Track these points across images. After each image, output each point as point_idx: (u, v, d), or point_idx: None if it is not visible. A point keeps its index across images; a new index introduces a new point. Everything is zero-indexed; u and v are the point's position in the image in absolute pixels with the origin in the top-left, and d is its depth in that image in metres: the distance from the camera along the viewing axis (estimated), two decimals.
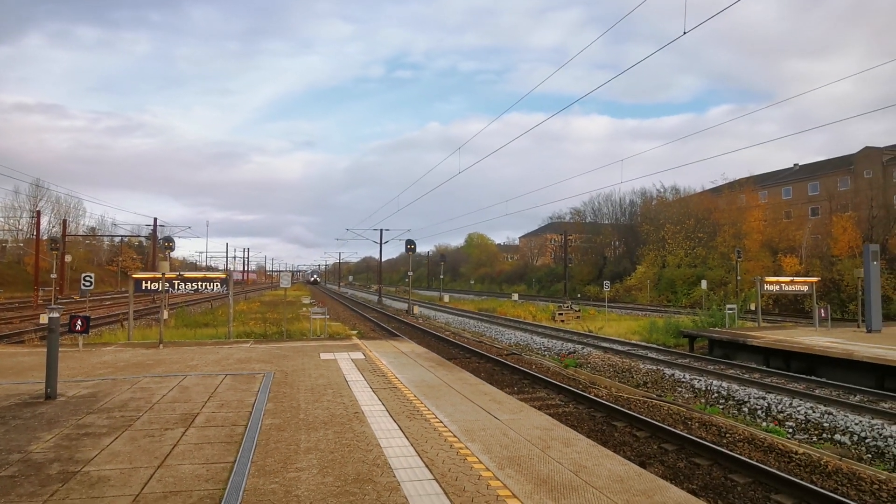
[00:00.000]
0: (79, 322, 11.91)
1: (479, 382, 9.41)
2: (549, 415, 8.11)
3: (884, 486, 6.83)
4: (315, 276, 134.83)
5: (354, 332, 21.85)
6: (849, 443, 9.38)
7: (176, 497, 4.33)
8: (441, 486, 4.58)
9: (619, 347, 19.87)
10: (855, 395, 12.06)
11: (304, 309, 29.42)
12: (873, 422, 9.83)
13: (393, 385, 8.90)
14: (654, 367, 15.73)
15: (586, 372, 15.57)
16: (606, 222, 71.39)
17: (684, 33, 7.19)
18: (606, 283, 35.20)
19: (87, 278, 16.24)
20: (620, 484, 4.70)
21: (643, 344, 20.84)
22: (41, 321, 20.46)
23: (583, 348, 19.73)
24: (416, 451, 5.49)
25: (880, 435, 9.28)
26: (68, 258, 43.28)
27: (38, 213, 48.85)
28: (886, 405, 11.13)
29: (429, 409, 7.24)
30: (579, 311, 32.96)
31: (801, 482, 6.77)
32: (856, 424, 9.82)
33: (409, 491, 4.48)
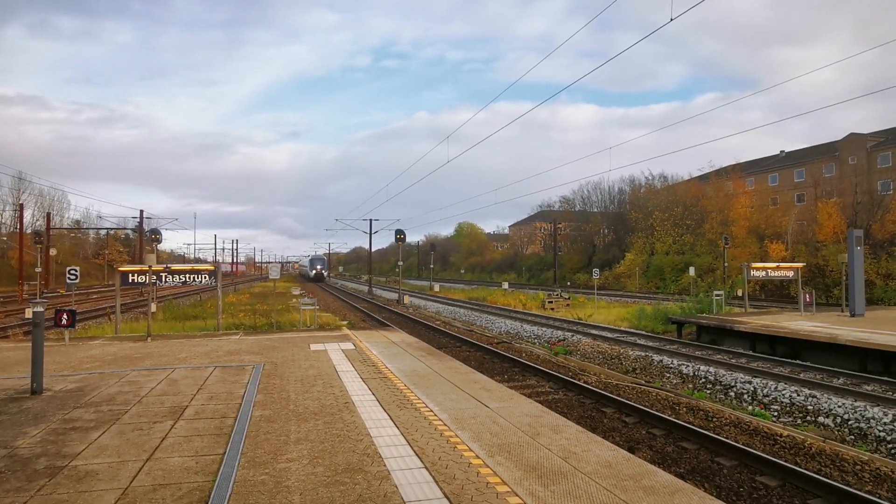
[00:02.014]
0: (64, 316, 11.78)
1: (469, 371, 9.45)
2: (539, 402, 8.16)
3: (866, 467, 6.97)
4: (319, 267, 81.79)
5: (345, 322, 21.83)
6: (832, 425, 9.55)
7: (165, 490, 4.32)
8: (431, 475, 4.60)
9: (609, 335, 20.03)
10: (838, 378, 12.27)
11: (294, 300, 29.31)
12: (856, 404, 10.01)
13: (383, 375, 8.91)
14: (643, 354, 15.89)
15: (576, 359, 15.69)
16: (595, 210, 71.64)
17: (671, 20, 7.18)
18: (596, 270, 35.40)
19: (73, 272, 16.06)
20: (609, 469, 4.75)
21: (632, 331, 21.02)
22: (26, 316, 20.21)
23: (572, 336, 19.86)
24: (407, 440, 5.51)
25: (863, 417, 9.45)
26: (53, 252, 42.73)
27: (21, 206, 48.04)
28: (869, 388, 11.33)
29: (419, 399, 7.26)
30: (569, 298, 33.15)
31: (785, 464, 6.89)
32: (839, 407, 10.00)
33: (400, 480, 4.50)
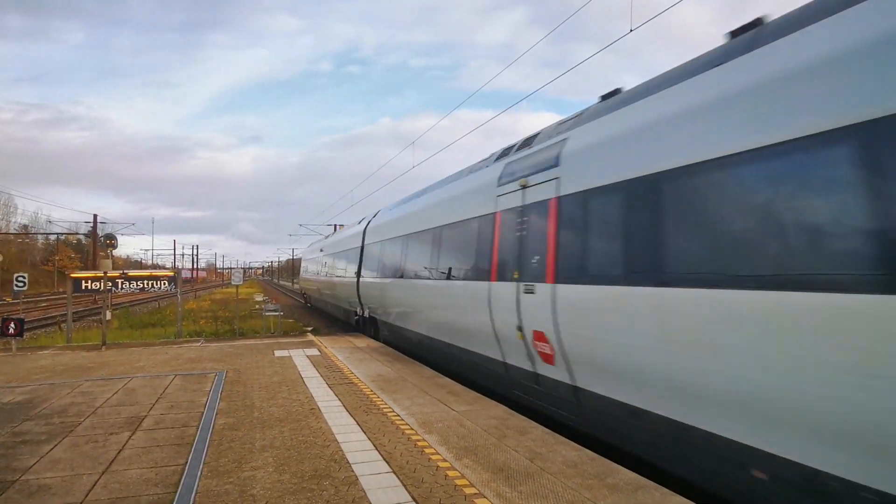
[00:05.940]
0: (12, 325, 11.27)
1: (435, 375, 9.46)
2: (505, 405, 8.22)
3: None
4: None
5: (309, 328, 21.53)
6: None
7: (123, 503, 4.18)
8: (399, 479, 4.60)
9: None
10: None
11: (257, 306, 28.74)
12: None
13: (349, 380, 8.84)
14: None
15: None
16: None
17: (630, 31, 7.41)
18: None
19: (21, 278, 15.35)
20: (574, 469, 4.84)
21: None
22: None
23: None
24: (374, 445, 5.48)
25: None
26: None
27: None
28: None
29: (386, 403, 7.24)
30: None
31: None
32: None
33: (368, 484, 4.48)
